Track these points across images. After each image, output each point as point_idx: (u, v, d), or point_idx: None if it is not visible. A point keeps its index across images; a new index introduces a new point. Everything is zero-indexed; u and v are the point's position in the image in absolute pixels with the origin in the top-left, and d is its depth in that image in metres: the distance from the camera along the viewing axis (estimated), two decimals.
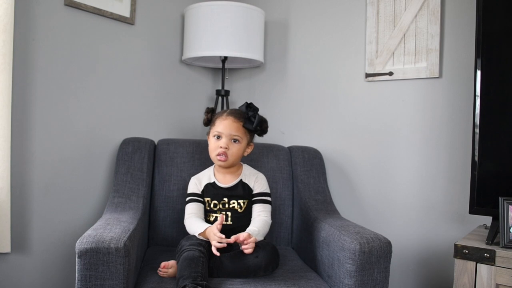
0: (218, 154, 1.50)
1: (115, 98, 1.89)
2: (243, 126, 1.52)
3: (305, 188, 1.82)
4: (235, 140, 1.51)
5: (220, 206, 1.53)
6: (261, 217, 1.50)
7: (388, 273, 1.35)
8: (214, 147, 1.52)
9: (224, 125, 1.51)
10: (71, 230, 1.71)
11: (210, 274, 1.33)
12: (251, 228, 1.43)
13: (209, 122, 1.59)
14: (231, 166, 1.56)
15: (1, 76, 1.42)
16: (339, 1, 2.03)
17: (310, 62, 2.12)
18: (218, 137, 1.51)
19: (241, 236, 1.34)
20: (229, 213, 1.51)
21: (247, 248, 1.33)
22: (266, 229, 1.49)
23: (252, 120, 1.53)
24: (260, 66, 2.26)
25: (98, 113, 1.82)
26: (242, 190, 1.54)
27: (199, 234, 1.44)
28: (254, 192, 1.55)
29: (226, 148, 1.49)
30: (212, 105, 2.19)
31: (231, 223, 1.50)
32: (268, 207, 1.54)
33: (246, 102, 1.56)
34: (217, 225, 1.38)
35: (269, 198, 1.56)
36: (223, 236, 1.35)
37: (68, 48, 1.70)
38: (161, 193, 1.75)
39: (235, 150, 1.51)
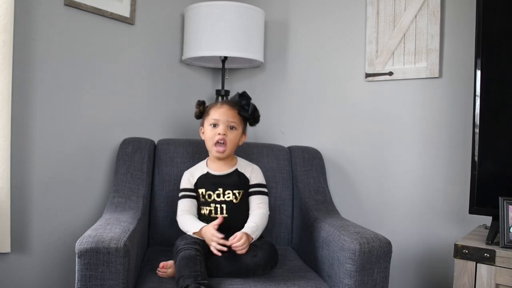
0: (217, 142, 1.50)
1: (115, 98, 1.89)
2: (239, 113, 1.53)
3: (305, 188, 1.82)
4: (231, 127, 1.52)
5: (215, 196, 1.51)
6: (260, 210, 1.50)
7: (388, 273, 1.35)
8: (212, 135, 1.51)
9: (220, 113, 1.51)
10: (71, 230, 1.71)
11: (209, 274, 1.33)
12: (249, 225, 1.42)
13: (201, 114, 1.59)
14: (228, 157, 1.55)
15: (1, 76, 1.42)
16: (339, 1, 2.02)
17: (310, 62, 2.12)
18: (215, 125, 1.51)
19: (237, 236, 1.33)
20: (224, 206, 1.50)
21: (240, 250, 1.33)
22: (265, 222, 1.49)
23: (246, 108, 1.54)
24: (260, 66, 2.26)
25: (98, 113, 1.82)
26: (237, 179, 1.54)
27: (193, 233, 1.44)
28: (251, 183, 1.55)
29: (225, 134, 1.49)
30: None
31: (226, 215, 1.48)
32: (265, 198, 1.55)
33: (238, 92, 1.57)
34: (214, 225, 1.38)
35: (266, 190, 1.57)
36: (223, 235, 1.35)
37: (68, 48, 1.70)
38: (161, 193, 1.75)
39: (232, 137, 1.51)
